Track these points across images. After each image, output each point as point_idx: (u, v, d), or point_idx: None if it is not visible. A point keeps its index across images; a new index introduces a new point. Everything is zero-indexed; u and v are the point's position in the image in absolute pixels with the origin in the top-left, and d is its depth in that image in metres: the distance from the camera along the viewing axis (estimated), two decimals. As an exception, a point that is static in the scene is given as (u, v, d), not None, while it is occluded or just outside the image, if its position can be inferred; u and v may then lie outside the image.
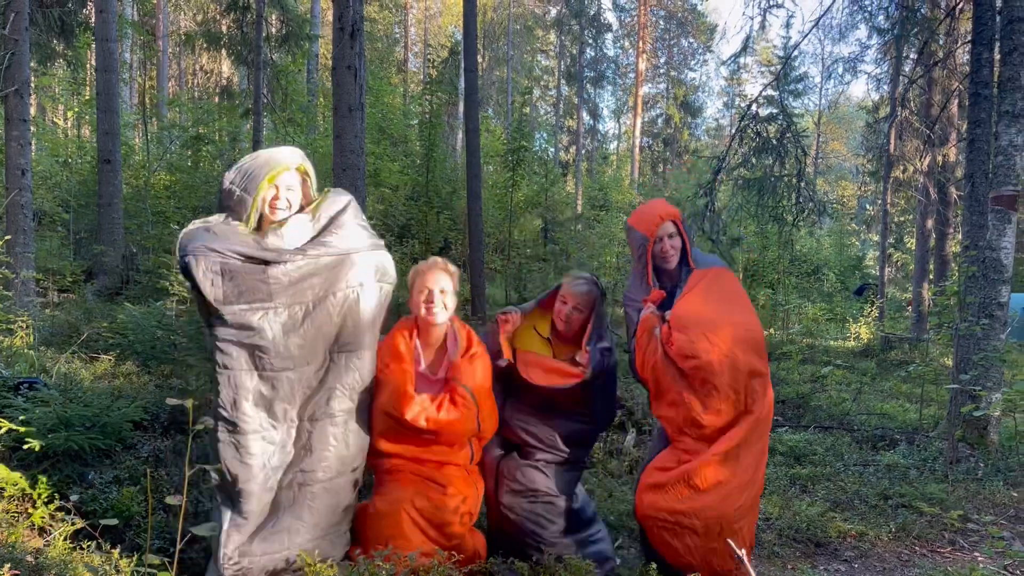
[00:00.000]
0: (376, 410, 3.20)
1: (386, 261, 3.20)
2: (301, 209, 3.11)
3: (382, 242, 3.25)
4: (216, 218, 3.00)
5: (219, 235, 2.87)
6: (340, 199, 3.15)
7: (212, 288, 2.78)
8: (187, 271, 2.80)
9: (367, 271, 3.09)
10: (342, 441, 3.08)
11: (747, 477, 3.35)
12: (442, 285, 3.28)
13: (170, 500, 2.10)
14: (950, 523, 4.75)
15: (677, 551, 3.37)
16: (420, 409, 3.10)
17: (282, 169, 2.99)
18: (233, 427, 2.88)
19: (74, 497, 2.85)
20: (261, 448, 2.92)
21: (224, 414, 2.88)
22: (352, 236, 3.09)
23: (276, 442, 2.97)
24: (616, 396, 3.74)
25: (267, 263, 2.87)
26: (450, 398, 3.18)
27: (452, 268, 3.37)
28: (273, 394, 2.94)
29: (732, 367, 3.28)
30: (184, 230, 2.92)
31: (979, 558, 4.29)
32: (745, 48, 9.52)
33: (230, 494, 2.94)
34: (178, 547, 2.10)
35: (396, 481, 3.21)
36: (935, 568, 4.10)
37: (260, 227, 3.02)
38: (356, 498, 3.25)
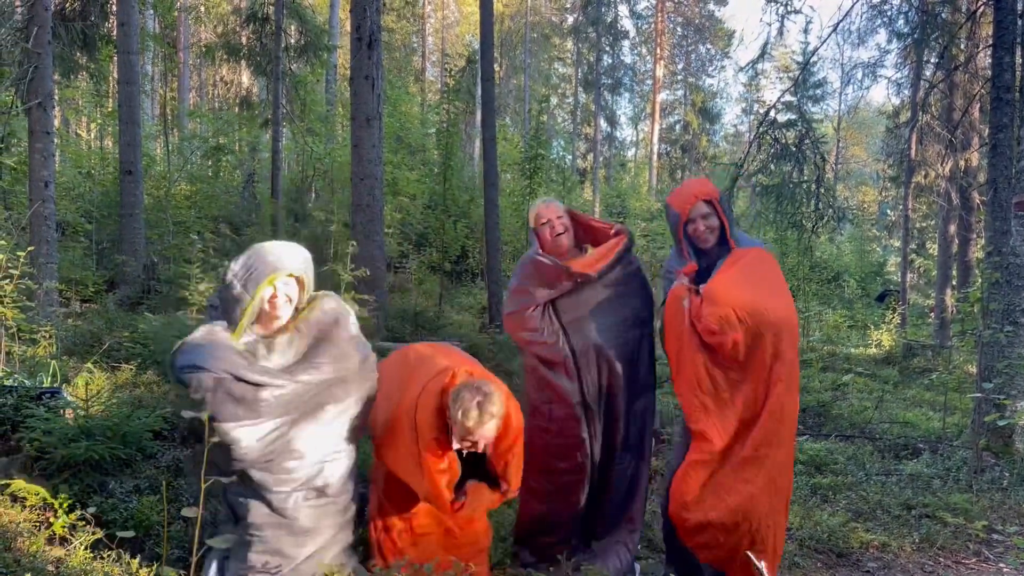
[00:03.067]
0: (402, 477, 3.20)
1: (374, 377, 3.20)
2: (296, 311, 3.08)
3: (372, 355, 3.22)
4: (212, 329, 2.96)
5: (216, 350, 2.84)
6: (330, 310, 3.10)
7: (206, 406, 2.76)
8: (183, 384, 2.82)
9: (358, 391, 3.11)
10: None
11: (771, 479, 3.29)
12: (489, 437, 3.06)
13: (187, 512, 2.11)
14: (975, 534, 4.68)
15: (710, 548, 3.38)
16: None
17: (282, 274, 2.96)
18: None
19: (92, 509, 2.86)
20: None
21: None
22: (344, 355, 3.05)
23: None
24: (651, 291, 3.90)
25: (259, 385, 2.84)
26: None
27: (497, 412, 3.01)
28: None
29: (757, 347, 3.25)
30: (186, 340, 2.89)
31: (1004, 569, 4.23)
32: (763, 54, 9.48)
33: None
34: (194, 559, 2.11)
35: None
36: (959, 580, 4.05)
37: (259, 319, 3.01)
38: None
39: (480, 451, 3.08)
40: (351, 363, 3.07)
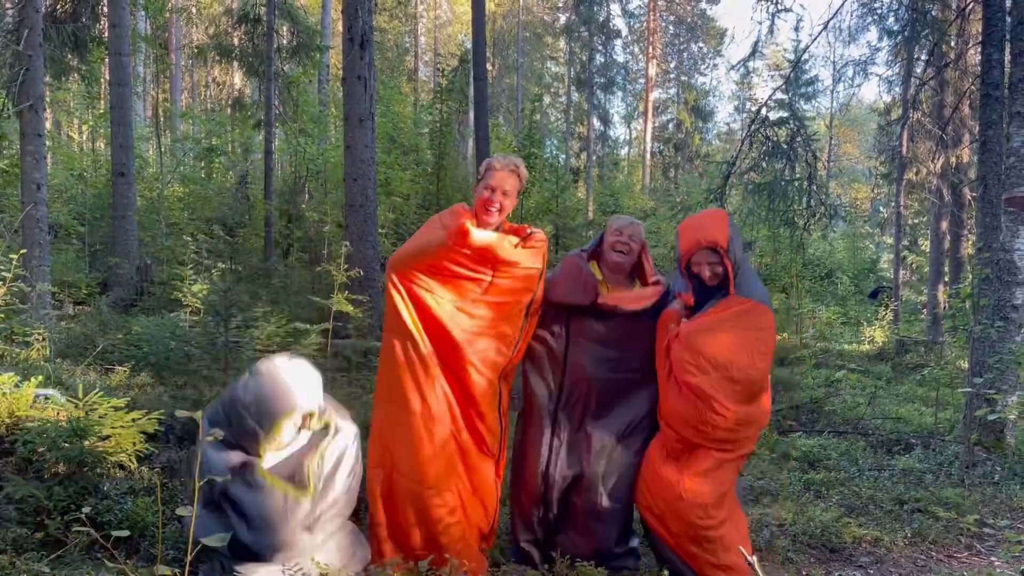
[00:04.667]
0: (420, 243, 3.42)
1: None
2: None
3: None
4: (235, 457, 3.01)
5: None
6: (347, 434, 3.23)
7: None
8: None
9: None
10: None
11: (719, 493, 3.44)
12: (506, 187, 3.41)
13: (181, 511, 2.12)
14: (966, 528, 4.71)
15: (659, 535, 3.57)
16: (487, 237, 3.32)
17: (297, 413, 3.03)
18: None
19: (86, 509, 2.87)
20: None
21: None
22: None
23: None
24: None
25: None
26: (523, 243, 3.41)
27: (522, 171, 3.48)
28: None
29: (710, 408, 3.33)
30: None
31: (996, 563, 4.26)
32: (754, 52, 9.50)
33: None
34: (189, 557, 2.12)
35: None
36: (951, 573, 4.07)
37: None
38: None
39: (496, 220, 3.41)
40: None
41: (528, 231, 3.48)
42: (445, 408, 3.29)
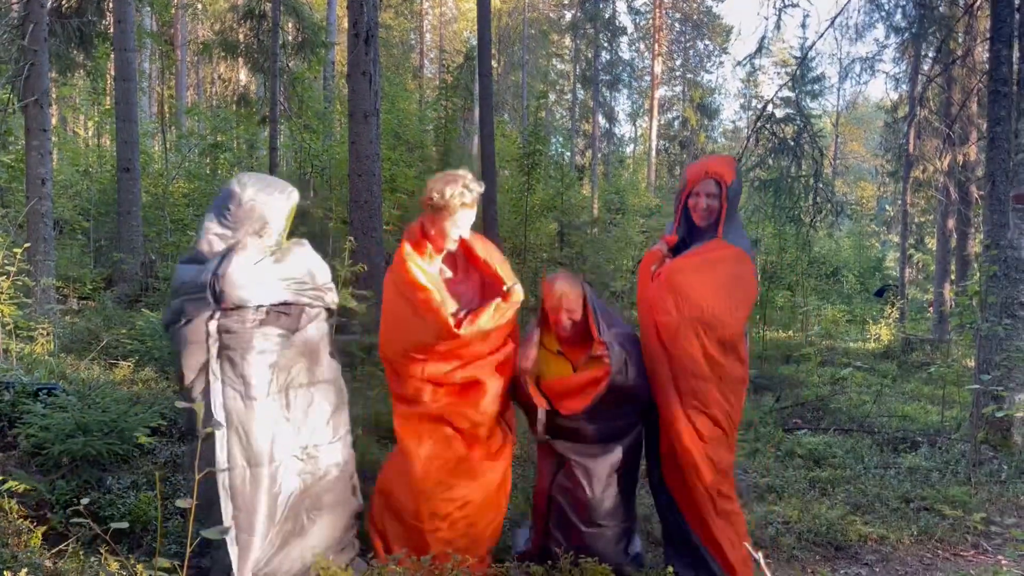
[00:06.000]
0: (408, 337, 3.25)
1: None
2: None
3: None
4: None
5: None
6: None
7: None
8: None
9: None
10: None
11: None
12: (466, 201, 3.25)
13: (181, 503, 2.11)
14: (973, 526, 4.68)
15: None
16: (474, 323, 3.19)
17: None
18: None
19: (85, 500, 2.86)
20: None
21: None
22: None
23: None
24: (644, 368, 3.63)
25: None
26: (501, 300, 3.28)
27: (478, 186, 3.28)
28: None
29: (686, 340, 3.32)
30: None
31: (1003, 561, 4.23)
32: (760, 48, 9.46)
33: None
34: (188, 549, 2.11)
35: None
36: (958, 572, 4.05)
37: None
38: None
39: (460, 244, 3.31)
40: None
41: (505, 288, 3.34)
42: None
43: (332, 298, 3.30)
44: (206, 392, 2.89)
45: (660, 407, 3.47)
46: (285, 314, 3.03)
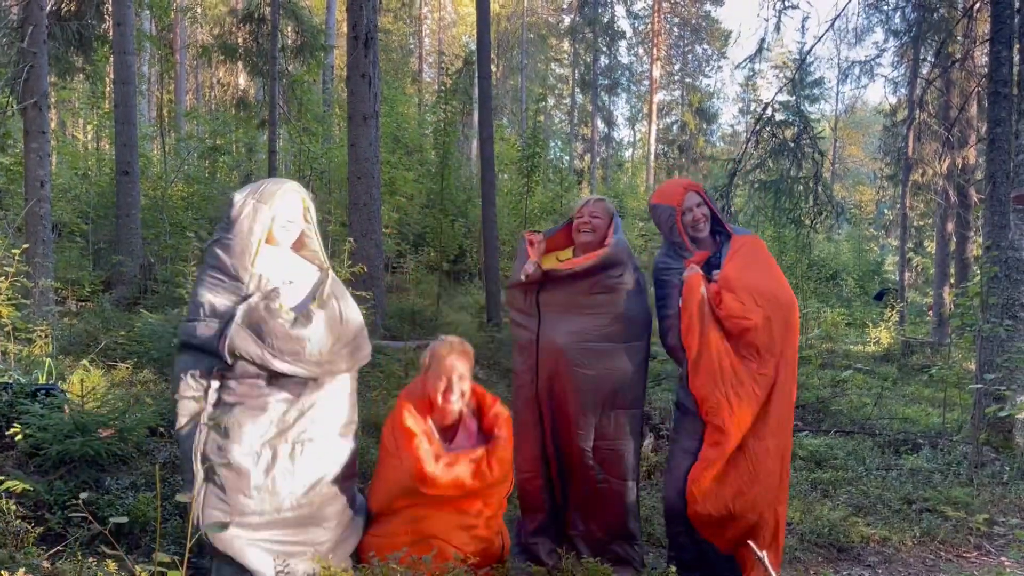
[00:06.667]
0: (389, 485, 3.17)
1: None
2: None
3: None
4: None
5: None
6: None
7: None
8: None
9: None
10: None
11: (768, 469, 3.34)
12: (460, 371, 3.23)
13: (180, 497, 2.09)
14: (976, 527, 4.66)
15: (725, 539, 3.43)
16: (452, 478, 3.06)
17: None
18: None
19: (85, 495, 2.84)
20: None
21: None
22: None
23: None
24: (649, 313, 3.68)
25: None
26: (488, 460, 3.14)
27: (469, 349, 3.31)
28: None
29: (770, 332, 3.34)
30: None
31: (1005, 563, 4.21)
32: (760, 50, 9.46)
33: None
34: (188, 543, 2.09)
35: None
36: (961, 573, 4.02)
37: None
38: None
39: (459, 404, 3.23)
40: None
41: (493, 413, 3.32)
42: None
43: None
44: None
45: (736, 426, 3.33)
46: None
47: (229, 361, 2.79)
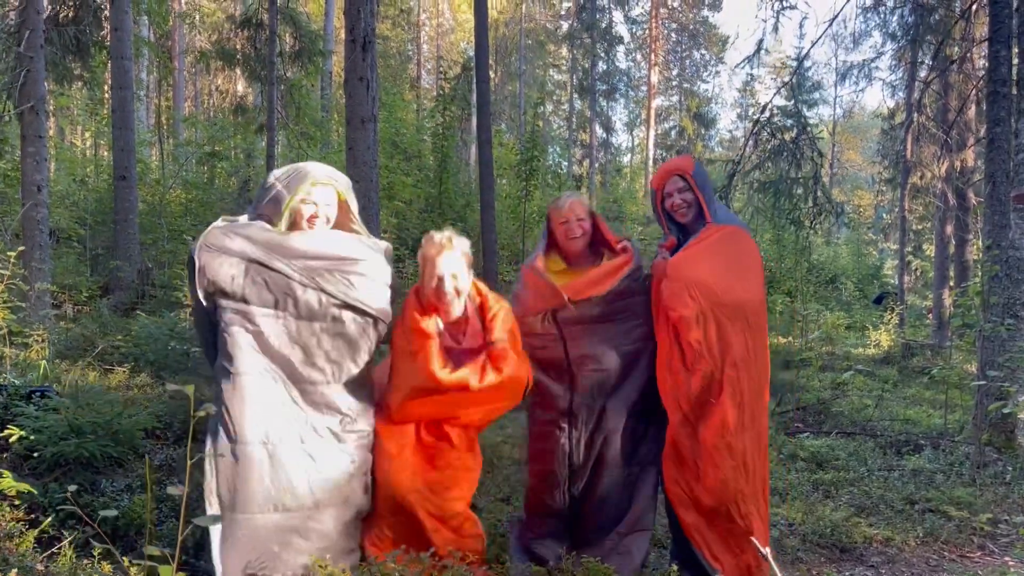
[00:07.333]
0: (399, 387, 3.13)
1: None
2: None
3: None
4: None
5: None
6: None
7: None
8: None
9: None
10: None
11: (740, 464, 3.27)
12: (453, 269, 3.11)
13: (172, 490, 2.06)
14: (979, 527, 4.63)
15: (688, 525, 3.38)
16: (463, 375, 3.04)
17: (319, 180, 3.12)
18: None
19: (72, 487, 2.81)
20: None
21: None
22: None
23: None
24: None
25: None
26: (491, 364, 3.09)
27: (460, 244, 3.16)
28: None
29: (704, 329, 3.25)
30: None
31: (1009, 562, 4.18)
32: (758, 51, 9.45)
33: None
34: (180, 537, 2.05)
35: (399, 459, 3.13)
36: (965, 573, 3.99)
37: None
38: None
39: (454, 314, 3.16)
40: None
41: (491, 315, 3.22)
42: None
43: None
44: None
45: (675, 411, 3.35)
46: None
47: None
